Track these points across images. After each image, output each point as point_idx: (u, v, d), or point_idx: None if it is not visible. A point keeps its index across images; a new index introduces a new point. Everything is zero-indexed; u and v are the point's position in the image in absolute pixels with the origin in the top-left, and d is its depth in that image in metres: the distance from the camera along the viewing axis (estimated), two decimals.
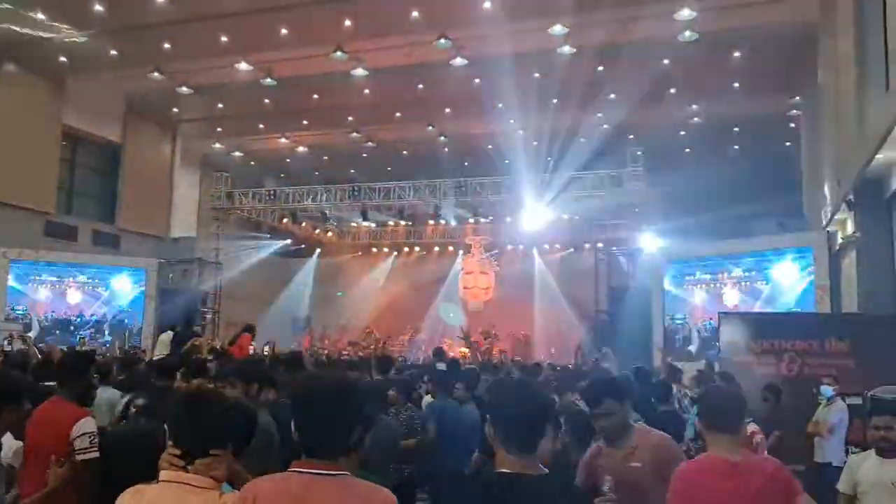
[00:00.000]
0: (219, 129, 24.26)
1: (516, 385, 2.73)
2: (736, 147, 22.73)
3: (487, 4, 15.65)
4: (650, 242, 21.30)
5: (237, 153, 25.93)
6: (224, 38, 17.31)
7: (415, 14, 16.14)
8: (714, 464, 3.17)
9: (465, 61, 18.02)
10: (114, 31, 17.29)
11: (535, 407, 2.51)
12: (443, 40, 16.72)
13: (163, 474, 2.44)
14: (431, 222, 26.48)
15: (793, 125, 20.71)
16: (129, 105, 22.19)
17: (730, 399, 3.45)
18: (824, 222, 14.85)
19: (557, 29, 16.22)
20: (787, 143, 21.68)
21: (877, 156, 9.83)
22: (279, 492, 2.24)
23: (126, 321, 19.85)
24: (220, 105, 22.12)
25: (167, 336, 14.58)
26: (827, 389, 7.68)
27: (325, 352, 20.62)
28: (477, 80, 19.56)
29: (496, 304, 25.59)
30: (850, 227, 12.74)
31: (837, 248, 14.30)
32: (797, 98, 19.38)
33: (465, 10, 16.10)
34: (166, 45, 17.73)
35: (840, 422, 7.61)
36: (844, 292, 14.03)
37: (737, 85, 19.18)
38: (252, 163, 26.84)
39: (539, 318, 24.85)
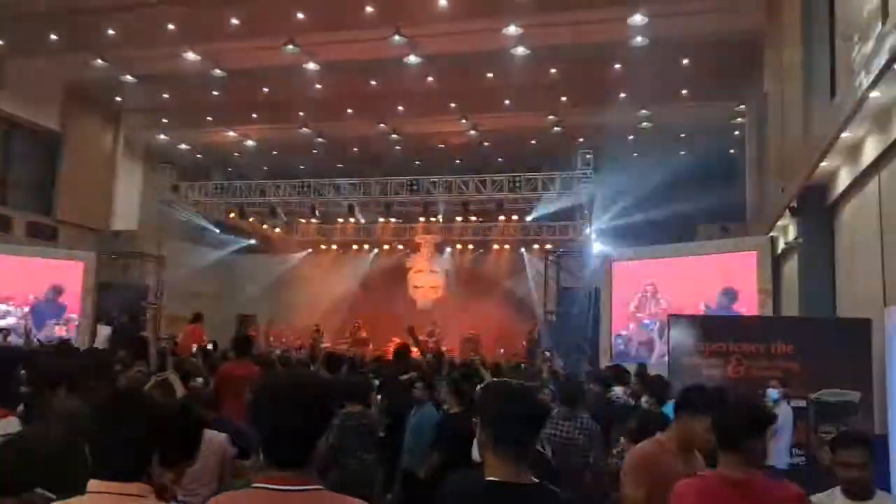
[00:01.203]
0: (164, 120, 23.70)
1: (514, 391, 2.63)
2: (682, 152, 23.09)
3: (443, 2, 15.61)
4: (598, 244, 21.52)
5: (183, 145, 25.37)
6: (171, 26, 16.89)
7: (369, 9, 16.01)
8: (713, 480, 3.00)
9: (419, 59, 17.93)
10: (54, 14, 16.70)
11: (533, 414, 2.45)
12: (397, 37, 16.59)
13: (91, 484, 2.14)
14: (381, 220, 26.36)
15: (737, 132, 21.12)
16: (69, 92, 21.48)
17: (744, 413, 3.15)
18: (767, 227, 15.16)
19: (512, 30, 16.25)
20: (731, 151, 22.13)
21: (821, 164, 10.04)
22: None
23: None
24: (166, 95, 21.60)
25: (106, 330, 14.20)
26: (773, 392, 7.80)
27: (277, 350, 20.27)
28: (430, 79, 19.52)
29: (445, 304, 25.61)
30: (791, 233, 13.02)
31: (779, 252, 14.61)
32: (742, 105, 19.78)
33: (421, 8, 16.04)
34: (110, 31, 17.21)
35: (784, 425, 7.74)
36: (785, 296, 14.34)
37: (685, 91, 19.49)
38: (199, 156, 26.30)
39: (488, 318, 24.92)
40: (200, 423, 3.24)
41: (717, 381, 7.99)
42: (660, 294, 16.17)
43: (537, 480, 2.37)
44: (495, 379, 7.26)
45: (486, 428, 2.38)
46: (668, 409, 5.04)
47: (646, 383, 7.95)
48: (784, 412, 7.74)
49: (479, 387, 6.19)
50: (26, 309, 17.95)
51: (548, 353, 17.76)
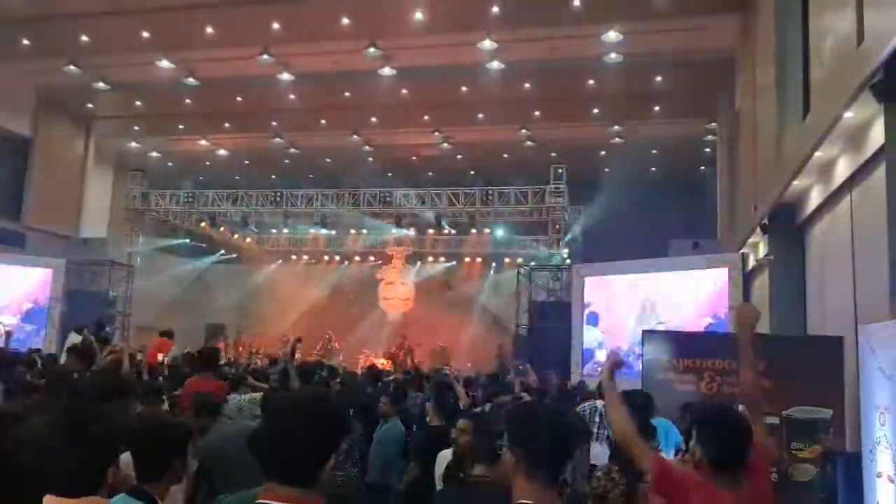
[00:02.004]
0: (136, 128, 23.45)
1: (550, 412, 2.61)
2: (654, 168, 23.31)
3: (419, 16, 15.65)
4: (569, 259, 21.63)
5: (154, 153, 25.10)
6: (145, 34, 16.77)
7: (345, 21, 16.01)
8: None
9: (394, 71, 17.94)
10: (26, 19, 16.49)
11: (567, 437, 2.47)
12: (372, 49, 16.60)
13: (46, 500, 2.15)
14: (353, 231, 26.26)
15: (708, 150, 21.37)
16: (40, 98, 21.20)
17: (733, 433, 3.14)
18: (738, 244, 15.32)
19: (486, 44, 16.32)
20: (703, 168, 22.37)
21: (793, 182, 10.17)
22: None
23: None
24: (139, 103, 21.38)
25: (76, 338, 13.88)
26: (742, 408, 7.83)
27: (242, 360, 20.04)
28: (404, 91, 19.52)
29: (415, 316, 25.55)
30: (762, 250, 13.16)
31: (750, 270, 14.77)
32: (714, 123, 20.02)
33: (396, 20, 16.06)
34: (84, 38, 17.06)
35: None
36: None
37: (657, 108, 19.69)
38: (170, 164, 26.02)
39: (458, 330, 24.89)
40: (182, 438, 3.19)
41: (692, 397, 8.04)
42: (658, 310, 16.24)
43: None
44: (527, 399, 7.20)
45: (519, 451, 2.36)
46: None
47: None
48: None
49: (508, 407, 6.19)
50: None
51: (521, 368, 17.72)
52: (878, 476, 4.88)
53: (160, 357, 12.08)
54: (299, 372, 8.12)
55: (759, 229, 12.69)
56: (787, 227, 11.73)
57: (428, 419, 6.55)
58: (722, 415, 3.30)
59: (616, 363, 3.50)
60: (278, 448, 2.02)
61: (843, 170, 8.84)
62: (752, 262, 14.52)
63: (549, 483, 2.33)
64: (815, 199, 10.37)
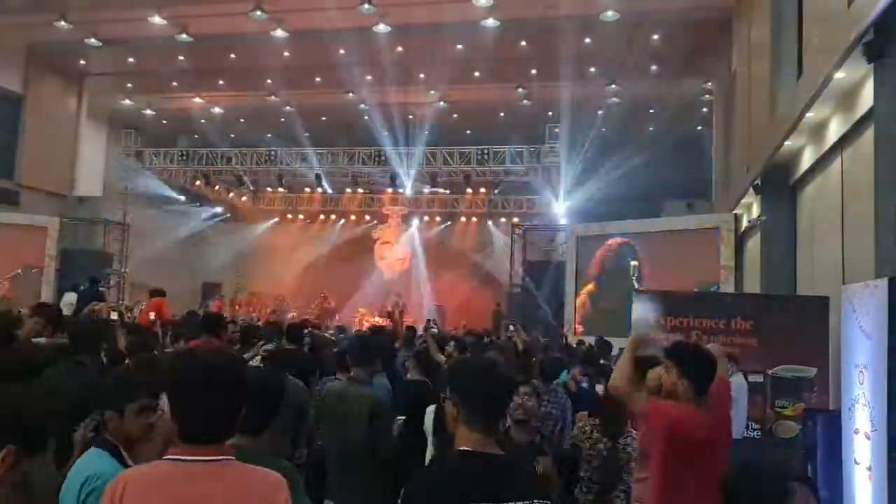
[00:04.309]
0: (129, 85, 23.26)
1: (483, 365, 2.74)
2: (651, 128, 23.21)
3: None
4: (564, 219, 21.64)
5: (148, 111, 24.93)
6: None
7: None
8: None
9: (388, 28, 17.76)
10: None
11: (502, 386, 2.60)
12: (366, 6, 16.41)
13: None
14: (349, 190, 26.21)
15: (705, 109, 21.27)
16: (32, 54, 21.00)
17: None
18: (731, 205, 15.35)
19: (482, 1, 16.14)
20: (699, 128, 22.29)
21: (785, 142, 10.17)
22: (152, 482, 2.04)
23: None
24: (131, 60, 21.16)
25: (72, 296, 13.94)
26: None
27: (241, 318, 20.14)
28: (399, 49, 19.35)
29: (411, 275, 25.63)
30: (755, 211, 13.20)
31: (743, 230, 14.81)
32: (710, 83, 19.90)
33: None
34: None
35: (738, 397, 7.89)
36: (747, 273, 14.58)
37: (654, 67, 19.54)
38: (164, 122, 25.86)
39: (454, 290, 25.00)
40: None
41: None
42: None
43: (502, 452, 2.47)
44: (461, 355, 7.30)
45: (458, 402, 2.47)
46: None
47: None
48: (737, 384, 7.89)
49: (445, 363, 6.31)
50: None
51: (511, 327, 17.85)
52: (856, 433, 4.99)
53: (152, 316, 12.05)
54: (288, 331, 8.09)
55: (751, 190, 12.72)
56: (780, 187, 11.76)
57: (408, 375, 6.63)
58: (699, 352, 3.98)
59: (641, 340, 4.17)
60: (188, 411, 2.12)
61: (834, 130, 8.85)
62: (745, 223, 14.56)
63: (487, 432, 2.43)
64: (807, 159, 10.38)
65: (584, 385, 7.35)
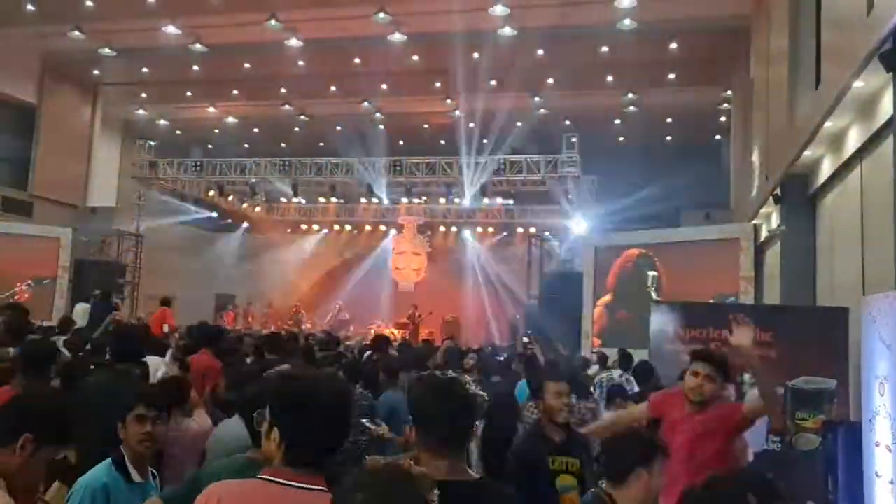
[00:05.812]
0: (143, 95, 23.35)
1: (441, 383, 2.43)
2: (668, 137, 23.02)
3: None
4: (581, 229, 21.42)
5: (162, 121, 25.03)
6: None
7: None
8: None
9: (404, 37, 17.72)
10: None
11: (464, 406, 2.30)
12: (382, 14, 16.37)
13: None
14: (364, 201, 26.13)
15: (723, 118, 21.06)
16: (46, 64, 21.11)
17: None
18: (750, 215, 15.13)
19: (499, 10, 16.08)
20: (717, 137, 22.07)
21: (804, 152, 9.98)
22: (248, 499, 1.95)
23: None
24: (146, 69, 21.27)
25: (82, 308, 13.93)
26: (746, 376, 7.74)
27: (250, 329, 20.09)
28: (415, 58, 19.31)
29: (427, 286, 25.47)
30: (774, 221, 12.98)
31: (762, 241, 14.59)
32: (728, 92, 19.69)
33: None
34: (88, 3, 16.88)
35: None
36: (766, 284, 14.34)
37: (672, 76, 19.37)
38: (178, 132, 25.93)
39: (469, 301, 24.82)
40: None
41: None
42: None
43: (476, 476, 2.26)
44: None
45: (418, 424, 2.25)
46: None
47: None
48: (757, 395, 7.69)
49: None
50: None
51: (526, 339, 17.64)
52: (877, 445, 4.85)
53: (166, 329, 12.06)
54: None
55: (771, 200, 12.52)
56: (800, 197, 11.55)
57: None
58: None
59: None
60: (298, 435, 2.04)
61: (853, 140, 8.66)
62: (764, 234, 14.34)
63: (454, 455, 2.22)
64: (826, 169, 10.17)
65: None
